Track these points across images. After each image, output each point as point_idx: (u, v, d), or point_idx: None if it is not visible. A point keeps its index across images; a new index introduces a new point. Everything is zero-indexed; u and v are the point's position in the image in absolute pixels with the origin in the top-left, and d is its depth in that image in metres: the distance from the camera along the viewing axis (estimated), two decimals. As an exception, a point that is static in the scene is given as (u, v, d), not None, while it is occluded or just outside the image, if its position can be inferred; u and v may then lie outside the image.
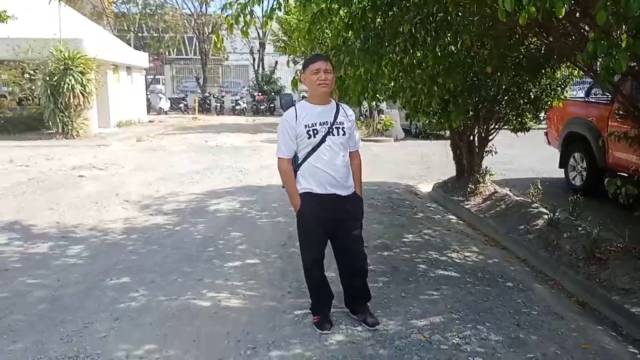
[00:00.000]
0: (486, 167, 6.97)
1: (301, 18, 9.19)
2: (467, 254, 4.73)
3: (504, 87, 5.94)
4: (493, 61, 5.09)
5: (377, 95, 5.21)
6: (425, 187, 7.94)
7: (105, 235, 5.23)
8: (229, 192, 7.44)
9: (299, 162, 3.01)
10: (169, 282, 3.94)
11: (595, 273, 4.00)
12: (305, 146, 2.96)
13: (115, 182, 8.03)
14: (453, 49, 4.38)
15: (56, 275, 4.07)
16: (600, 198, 6.39)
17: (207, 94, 26.81)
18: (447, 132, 7.42)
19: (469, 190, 6.75)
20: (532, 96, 6.40)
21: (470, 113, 6.16)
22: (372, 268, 4.01)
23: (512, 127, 6.86)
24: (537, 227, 5.13)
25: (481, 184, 6.81)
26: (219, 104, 25.37)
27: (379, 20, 4.19)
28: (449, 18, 3.88)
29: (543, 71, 5.95)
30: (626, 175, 6.38)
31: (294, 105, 3.14)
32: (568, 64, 5.98)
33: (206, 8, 27.41)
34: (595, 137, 6.78)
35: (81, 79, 13.29)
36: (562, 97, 6.56)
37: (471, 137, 7.02)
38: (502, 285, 3.98)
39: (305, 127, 2.94)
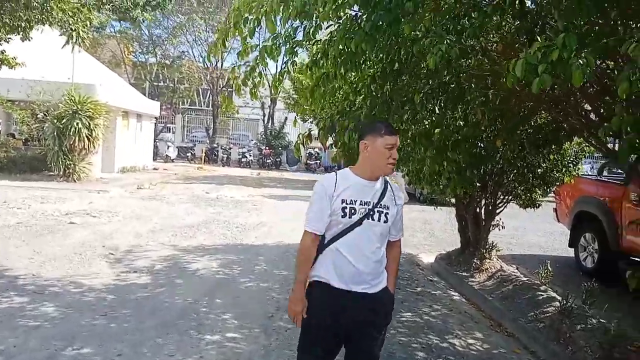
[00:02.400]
0: (493, 242, 6.63)
1: (308, 80, 9.19)
2: (471, 340, 4.32)
3: (510, 160, 5.71)
4: (502, 134, 4.88)
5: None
6: (428, 258, 7.56)
7: (81, 293, 4.87)
8: (221, 250, 7.10)
9: (324, 242, 2.39)
10: (136, 356, 3.54)
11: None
12: (334, 225, 2.35)
13: (105, 232, 7.72)
14: (461, 123, 4.17)
15: (15, 339, 3.68)
16: (614, 284, 5.98)
17: (215, 145, 26.96)
18: (453, 199, 7.17)
19: (473, 265, 6.38)
20: (540, 171, 6.17)
21: (477, 184, 5.90)
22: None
23: (520, 202, 6.59)
24: (548, 314, 4.72)
25: (487, 260, 6.45)
26: (225, 155, 25.44)
27: (387, 87, 4.02)
28: (461, 90, 3.69)
29: (553, 146, 5.73)
30: (637, 258, 6.04)
31: (334, 170, 2.66)
32: (579, 139, 5.82)
33: (222, 63, 28.07)
34: (607, 218, 6.46)
35: (89, 123, 13.32)
36: (574, 173, 6.32)
37: (477, 209, 6.73)
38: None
39: (342, 202, 2.33)
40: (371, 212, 2.34)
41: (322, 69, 4.13)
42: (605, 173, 7.28)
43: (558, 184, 6.44)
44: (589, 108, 4.28)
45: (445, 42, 3.00)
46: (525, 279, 5.83)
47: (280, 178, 20.33)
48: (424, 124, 4.13)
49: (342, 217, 2.32)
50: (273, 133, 28.03)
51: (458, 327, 4.62)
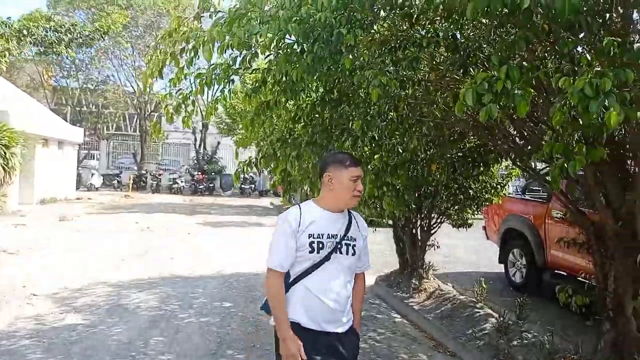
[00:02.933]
0: (429, 262, 6.82)
1: (247, 107, 9.13)
2: (416, 365, 4.37)
3: (443, 183, 5.93)
4: (435, 159, 5.07)
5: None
6: (368, 280, 7.57)
7: None
8: (155, 284, 6.76)
9: (289, 281, 2.25)
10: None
11: (552, 390, 3.73)
12: (302, 261, 2.23)
13: (26, 270, 7.13)
14: (400, 149, 4.30)
15: None
16: (543, 297, 6.32)
17: (144, 171, 25.96)
18: (390, 222, 7.32)
19: (412, 285, 6.51)
20: (471, 192, 6.47)
21: (413, 206, 6.07)
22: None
23: (453, 222, 6.85)
24: (486, 331, 4.89)
25: (425, 279, 6.62)
26: (155, 182, 24.54)
27: (326, 115, 4.06)
28: (398, 118, 3.81)
29: (482, 169, 6.03)
30: (564, 274, 6.44)
31: (297, 203, 2.46)
32: (506, 162, 6.16)
33: (150, 87, 27.30)
34: (533, 234, 6.85)
35: (4, 152, 12.37)
36: (502, 193, 6.67)
37: (414, 230, 6.91)
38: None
39: (309, 237, 2.21)
40: (339, 246, 2.25)
41: (261, 96, 4.12)
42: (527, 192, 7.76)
43: (487, 203, 6.75)
44: (515, 132, 4.57)
45: (385, 74, 3.09)
46: (462, 297, 6.01)
47: (214, 204, 19.87)
48: (363, 150, 4.20)
49: (310, 252, 2.21)
50: (205, 158, 27.49)
51: (403, 350, 4.67)
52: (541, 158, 2.77)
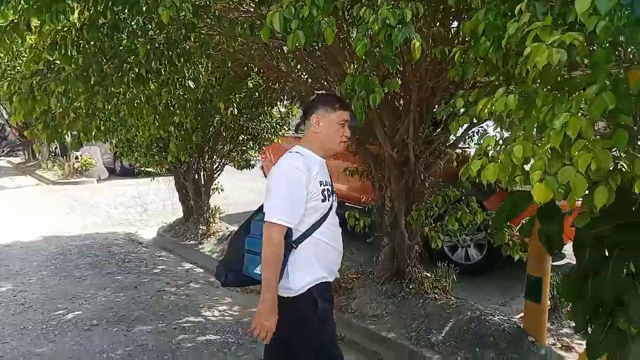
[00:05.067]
0: (216, 206, 6.70)
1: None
2: (221, 307, 4.28)
3: (229, 123, 5.79)
4: (222, 97, 4.86)
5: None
6: (149, 233, 7.11)
7: None
8: None
9: (298, 236, 2.01)
10: None
11: (347, 304, 4.11)
12: (313, 212, 2.04)
13: None
14: (192, 84, 3.91)
15: None
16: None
17: None
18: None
19: (201, 232, 6.34)
20: (253, 133, 6.49)
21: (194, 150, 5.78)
22: (113, 356, 3.14)
23: (236, 164, 6.81)
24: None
25: (212, 224, 6.51)
26: None
27: (98, 43, 3.38)
28: (191, 49, 3.41)
29: (265, 109, 6.07)
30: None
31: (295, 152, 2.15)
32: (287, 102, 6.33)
33: None
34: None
35: None
36: (281, 133, 6.86)
37: (197, 176, 6.65)
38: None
39: (321, 185, 2.06)
40: (333, 191, 2.20)
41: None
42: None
43: (267, 143, 6.88)
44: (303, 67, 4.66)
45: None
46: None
47: None
48: (148, 85, 3.69)
49: (323, 201, 2.06)
50: None
51: (203, 298, 4.52)
52: (345, 91, 2.83)
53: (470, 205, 3.79)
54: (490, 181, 1.64)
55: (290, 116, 6.68)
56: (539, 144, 1.57)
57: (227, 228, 6.43)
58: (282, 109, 6.78)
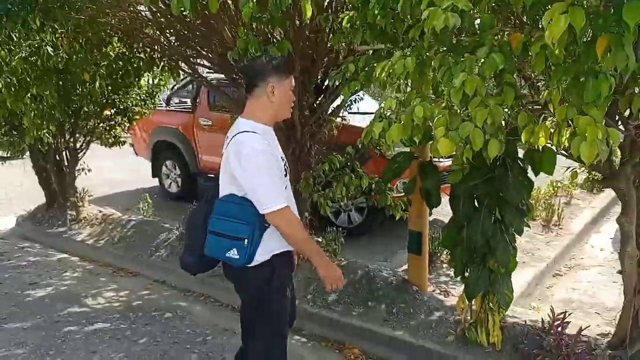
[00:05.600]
0: (84, 188, 6.15)
1: None
2: (107, 294, 4.00)
3: (93, 97, 5.28)
4: (87, 66, 4.41)
5: None
6: (5, 224, 6.30)
7: None
8: None
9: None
10: None
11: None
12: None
13: None
14: (50, 50, 3.47)
15: None
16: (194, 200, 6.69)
17: None
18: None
19: (69, 217, 5.79)
20: (121, 107, 6.02)
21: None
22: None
23: (105, 142, 6.28)
24: (167, 243, 4.87)
25: (82, 207, 5.98)
26: None
27: None
28: (51, 9, 2.99)
29: (133, 80, 5.62)
30: (213, 175, 6.98)
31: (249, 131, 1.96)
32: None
33: None
34: (184, 144, 7.05)
35: None
36: (152, 106, 6.46)
37: (58, 156, 6.01)
38: (162, 320, 3.54)
39: (282, 160, 2.02)
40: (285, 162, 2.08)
41: None
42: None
43: (138, 117, 6.44)
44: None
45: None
46: (129, 217, 5.72)
47: None
48: (-1, 51, 3.20)
49: (285, 175, 2.03)
50: None
51: (85, 287, 4.17)
52: (236, 55, 2.76)
53: (355, 170, 3.98)
54: (395, 141, 1.74)
55: (161, 87, 6.30)
56: (436, 103, 1.71)
57: (100, 211, 5.95)
58: (151, 81, 6.37)
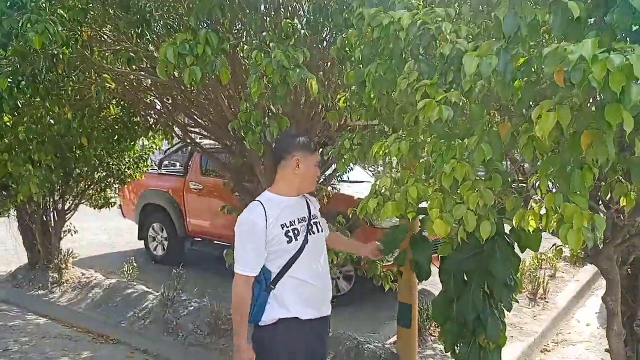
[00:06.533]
0: (68, 250, 6.06)
1: None
2: (85, 363, 3.86)
3: (91, 160, 5.36)
4: (85, 131, 4.52)
5: None
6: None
7: None
8: None
9: (273, 277, 2.12)
10: None
11: (226, 345, 4.01)
12: (282, 254, 2.12)
13: None
14: (50, 119, 3.58)
15: None
16: (187, 266, 6.61)
17: None
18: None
19: (51, 279, 5.68)
20: (114, 170, 6.08)
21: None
22: None
23: (95, 204, 6.27)
24: (148, 309, 4.77)
25: (65, 270, 5.87)
26: None
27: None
28: (58, 79, 3.13)
29: (128, 143, 5.74)
30: (200, 239, 6.95)
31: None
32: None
33: None
34: (173, 207, 7.05)
35: None
36: (144, 169, 6.52)
37: (45, 217, 5.98)
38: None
39: (283, 228, 2.12)
40: (310, 226, 2.22)
41: None
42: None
43: (129, 180, 6.48)
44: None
45: (49, 22, 2.54)
46: (112, 281, 5.63)
47: None
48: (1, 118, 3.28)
49: (288, 242, 2.13)
50: None
51: (61, 353, 4.03)
52: (236, 126, 2.88)
53: (345, 239, 4.02)
54: (389, 217, 1.82)
55: (153, 151, 6.41)
56: (429, 185, 1.80)
57: (82, 274, 5.85)
58: (145, 143, 6.48)
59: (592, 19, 1.54)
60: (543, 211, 1.48)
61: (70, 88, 3.23)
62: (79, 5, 2.77)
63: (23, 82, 2.83)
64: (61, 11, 2.62)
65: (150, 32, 3.05)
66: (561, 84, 1.27)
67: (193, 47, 2.32)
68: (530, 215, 1.49)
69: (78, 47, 3.01)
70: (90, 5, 2.86)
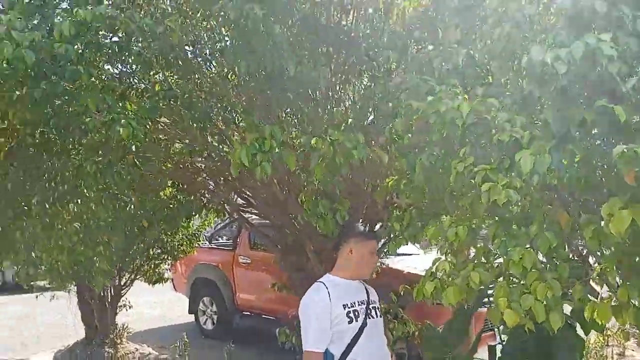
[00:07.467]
0: (124, 325, 6.21)
1: None
2: None
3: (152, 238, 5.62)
4: (147, 214, 4.79)
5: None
6: (44, 358, 6.29)
7: None
8: None
9: (337, 359, 2.20)
10: None
11: None
12: (342, 336, 2.21)
13: None
14: (122, 203, 3.85)
15: None
16: (236, 342, 6.57)
17: None
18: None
19: (106, 355, 5.78)
20: (169, 246, 6.30)
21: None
22: None
23: (148, 279, 6.47)
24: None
25: (120, 345, 5.99)
26: None
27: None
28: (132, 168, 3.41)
29: (185, 222, 5.98)
30: (249, 314, 6.96)
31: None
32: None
33: None
34: (223, 281, 7.15)
35: None
36: (196, 245, 6.72)
37: (102, 293, 6.19)
38: None
39: (345, 308, 2.23)
40: (369, 310, 2.31)
41: None
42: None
43: (182, 256, 6.68)
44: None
45: (134, 120, 2.83)
46: (164, 356, 5.69)
47: None
48: (88, 205, 3.57)
49: (349, 322, 2.23)
50: None
51: None
52: (306, 215, 3.05)
53: (398, 316, 3.97)
54: (451, 303, 1.85)
55: (205, 227, 6.64)
56: (489, 270, 1.83)
57: (136, 349, 5.94)
58: (198, 221, 6.74)
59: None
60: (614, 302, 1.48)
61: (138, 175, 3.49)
62: (147, 105, 3.07)
63: (108, 170, 3.12)
64: (129, 107, 2.92)
65: (212, 126, 3.32)
66: (631, 183, 1.32)
67: (261, 144, 2.52)
68: (604, 309, 1.49)
69: (146, 139, 3.28)
70: (161, 104, 3.15)
